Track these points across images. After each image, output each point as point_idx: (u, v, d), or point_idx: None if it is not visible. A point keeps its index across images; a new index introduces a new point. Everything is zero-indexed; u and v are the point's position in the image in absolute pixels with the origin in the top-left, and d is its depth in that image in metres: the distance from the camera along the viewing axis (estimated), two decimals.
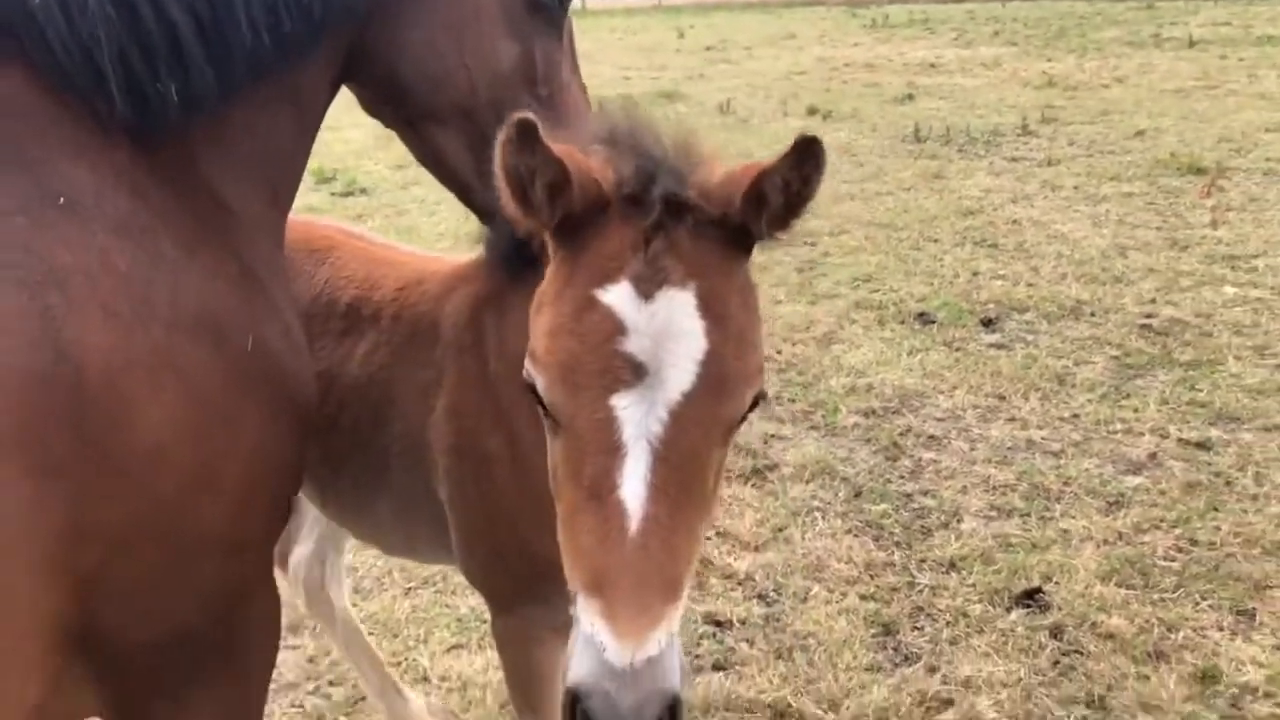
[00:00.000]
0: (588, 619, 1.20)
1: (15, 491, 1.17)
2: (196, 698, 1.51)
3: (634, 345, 1.25)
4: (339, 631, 3.01)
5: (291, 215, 1.84)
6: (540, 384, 1.32)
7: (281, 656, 3.18)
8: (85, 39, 1.40)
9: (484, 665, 3.28)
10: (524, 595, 2.01)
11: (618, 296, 1.28)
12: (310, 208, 8.26)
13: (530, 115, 1.25)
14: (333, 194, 9.59)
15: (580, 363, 1.27)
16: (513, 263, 1.85)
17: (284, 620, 1.80)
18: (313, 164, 8.88)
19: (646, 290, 1.27)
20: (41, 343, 1.23)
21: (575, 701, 1.18)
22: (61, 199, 1.34)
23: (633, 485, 1.23)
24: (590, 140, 1.44)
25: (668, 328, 1.26)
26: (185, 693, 1.49)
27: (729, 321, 1.29)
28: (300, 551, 3.02)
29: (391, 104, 1.81)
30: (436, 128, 1.82)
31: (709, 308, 1.28)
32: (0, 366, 1.19)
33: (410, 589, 3.74)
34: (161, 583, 1.38)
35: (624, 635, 1.17)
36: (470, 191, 1.88)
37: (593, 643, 1.18)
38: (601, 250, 1.32)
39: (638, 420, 1.24)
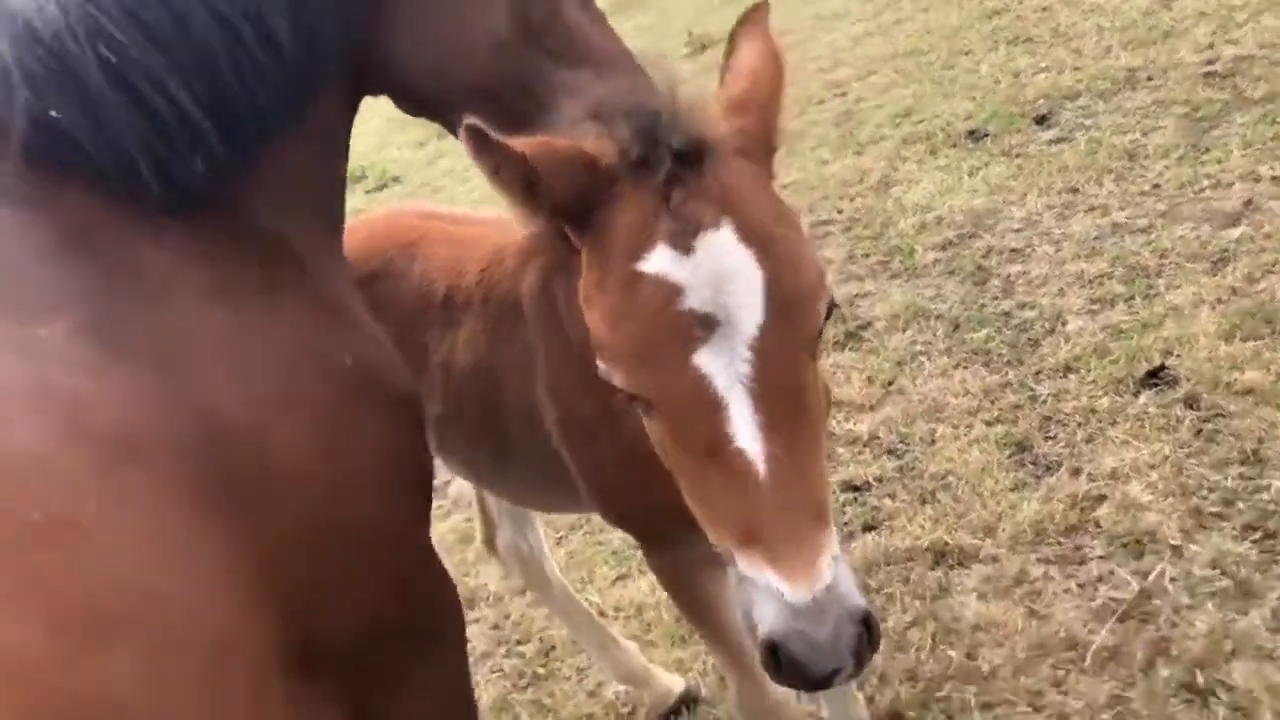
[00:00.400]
0: (755, 571, 1.22)
1: (210, 541, 1.28)
2: (418, 679, 1.64)
3: (694, 301, 1.24)
4: (556, 597, 3.11)
5: (374, 213, 1.93)
6: (618, 376, 1.31)
7: (469, 631, 3.37)
8: (113, 137, 1.47)
9: (649, 588, 3.41)
10: (664, 538, 2.08)
11: (659, 262, 1.26)
12: (352, 211, 8.37)
13: (473, 121, 1.27)
14: (367, 192, 9.71)
15: (648, 340, 1.26)
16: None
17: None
18: None
19: (684, 244, 1.26)
20: (180, 407, 1.33)
21: (774, 651, 1.20)
22: (146, 279, 1.43)
23: (745, 432, 1.23)
24: (579, 117, 1.41)
25: (720, 272, 1.24)
26: (407, 677, 1.62)
27: (775, 244, 1.28)
28: (504, 536, 3.14)
29: (419, 107, 1.83)
30: (468, 117, 1.85)
31: (751, 237, 1.27)
32: (156, 436, 1.29)
33: (561, 538, 3.89)
34: (345, 580, 1.49)
35: (796, 575, 1.19)
36: None
37: (770, 591, 1.20)
38: (626, 224, 1.30)
39: (725, 370, 1.24)
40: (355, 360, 1.60)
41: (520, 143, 1.31)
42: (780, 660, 1.20)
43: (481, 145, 1.29)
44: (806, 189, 5.98)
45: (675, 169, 1.28)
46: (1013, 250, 4.61)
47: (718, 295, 1.24)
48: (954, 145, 5.87)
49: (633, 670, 2.99)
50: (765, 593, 1.20)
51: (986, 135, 5.82)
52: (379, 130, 11.17)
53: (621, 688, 3.05)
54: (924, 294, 4.52)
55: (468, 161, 1.38)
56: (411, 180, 9.59)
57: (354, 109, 1.84)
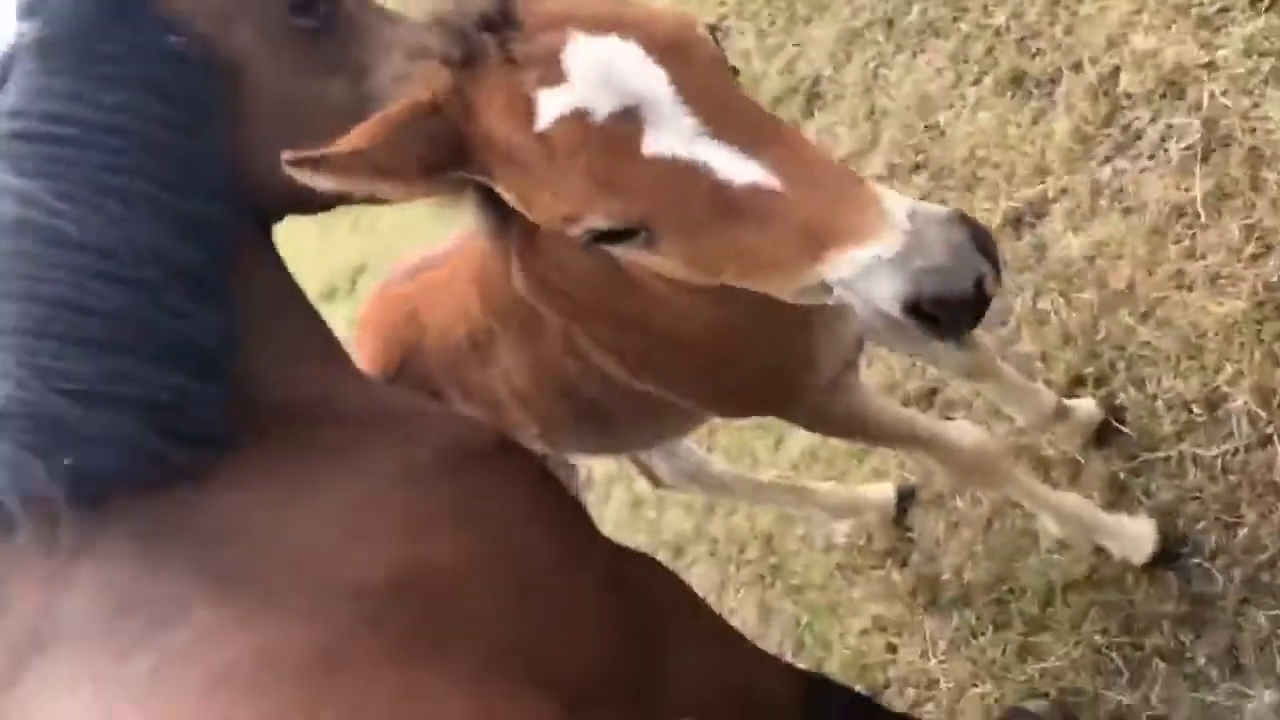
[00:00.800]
0: (843, 265, 1.11)
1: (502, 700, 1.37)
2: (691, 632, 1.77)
3: (603, 109, 1.18)
4: (737, 487, 3.13)
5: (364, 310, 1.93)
6: (603, 221, 1.23)
7: (697, 573, 3.47)
8: (129, 445, 1.49)
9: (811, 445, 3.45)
10: (788, 396, 2.01)
11: (550, 108, 1.20)
12: (351, 322, 8.46)
13: (289, 155, 1.26)
14: (348, 295, 9.74)
15: (600, 173, 1.20)
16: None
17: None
18: (322, 286, 8.92)
19: (555, 77, 1.20)
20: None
21: (918, 309, 1.09)
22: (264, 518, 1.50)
23: (738, 166, 1.16)
24: (399, 72, 1.36)
25: (600, 71, 1.19)
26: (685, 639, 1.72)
27: (623, 18, 1.23)
28: (663, 468, 3.15)
29: (320, 204, 1.83)
30: (284, 155, 1.83)
31: (600, 27, 1.21)
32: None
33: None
34: (579, 613, 1.57)
35: (875, 231, 1.10)
36: None
37: (868, 267, 1.09)
38: (503, 112, 1.24)
39: (676, 135, 1.18)
40: (435, 454, 1.63)
41: (350, 137, 1.26)
42: (927, 310, 1.09)
43: (316, 169, 1.24)
44: None
45: (499, 36, 1.24)
46: None
47: (616, 89, 1.19)
48: None
49: (842, 502, 3.04)
50: (866, 273, 1.09)
51: None
52: (310, 252, 11.15)
53: (845, 526, 3.11)
54: (845, 21, 4.36)
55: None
56: (373, 259, 9.57)
57: (270, 235, 1.84)
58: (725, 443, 3.84)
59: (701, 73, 1.22)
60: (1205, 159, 2.63)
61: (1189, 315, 2.49)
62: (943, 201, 3.39)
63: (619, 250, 1.31)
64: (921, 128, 3.64)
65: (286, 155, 1.25)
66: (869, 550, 3.01)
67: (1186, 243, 2.58)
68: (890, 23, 4.08)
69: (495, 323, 2.21)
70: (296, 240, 2.13)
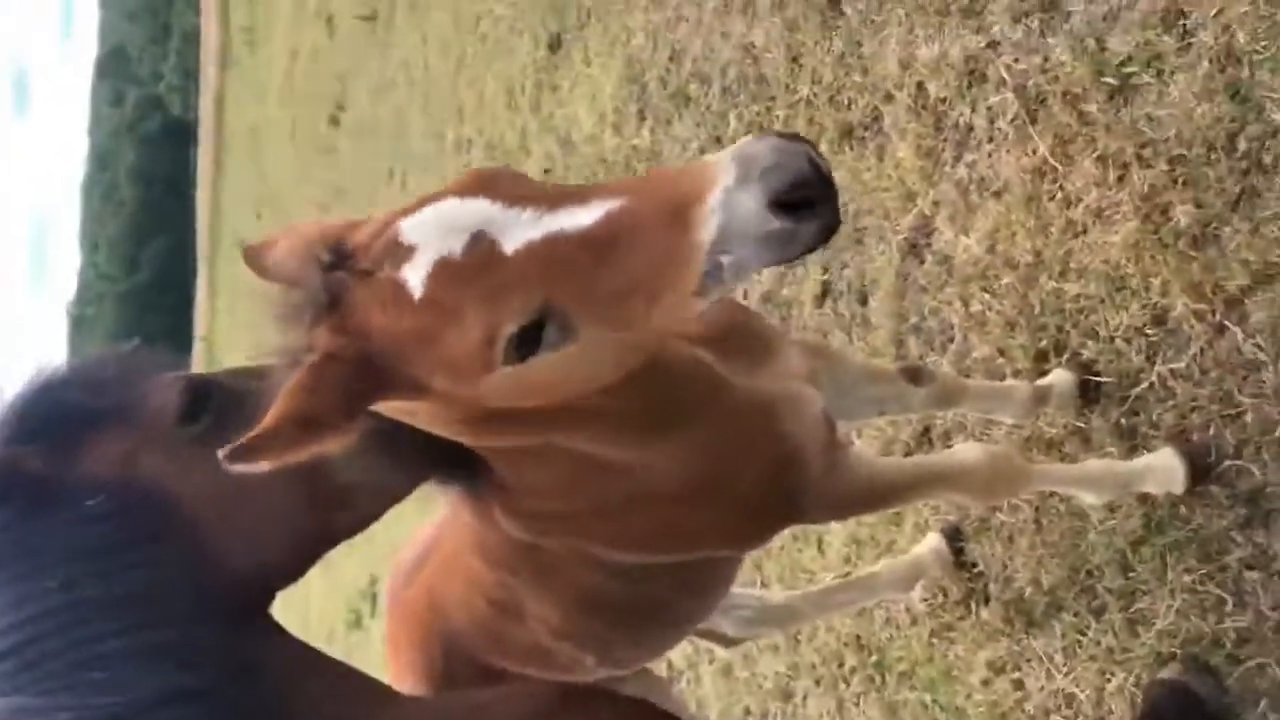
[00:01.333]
0: (707, 216, 1.19)
1: None
2: None
3: (458, 245, 1.27)
4: (799, 605, 3.02)
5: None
6: (513, 319, 1.27)
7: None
8: None
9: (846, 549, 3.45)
10: (794, 487, 1.99)
11: (416, 272, 1.28)
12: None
13: (221, 455, 1.28)
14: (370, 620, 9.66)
15: (483, 290, 1.26)
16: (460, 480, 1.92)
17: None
18: (346, 616, 8.83)
19: (407, 254, 1.29)
20: None
21: (786, 209, 1.17)
22: None
23: (579, 217, 1.25)
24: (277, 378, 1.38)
25: (437, 221, 1.29)
26: None
27: (433, 194, 1.35)
28: (725, 625, 3.07)
29: (293, 573, 1.86)
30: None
31: (417, 209, 1.34)
32: None
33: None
34: None
35: (712, 179, 1.19)
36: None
37: (724, 200, 1.19)
38: (386, 314, 1.30)
39: (522, 225, 1.27)
40: None
41: (270, 412, 1.28)
42: (791, 200, 1.17)
43: (252, 455, 1.25)
44: None
45: (345, 269, 1.32)
46: None
47: (456, 227, 1.28)
48: None
49: (903, 572, 3.02)
50: (727, 209, 1.18)
51: None
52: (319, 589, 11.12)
53: (917, 592, 3.08)
54: (679, 158, 4.61)
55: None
56: (380, 568, 9.55)
57: (268, 615, 1.85)
58: (774, 571, 3.83)
59: (510, 184, 1.33)
60: (1034, 120, 2.80)
61: (1097, 254, 2.58)
62: (844, 265, 3.53)
63: (544, 359, 1.32)
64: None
65: (220, 454, 1.26)
66: (949, 603, 2.97)
67: (1059, 196, 2.71)
68: (718, 139, 4.34)
69: (508, 577, 2.21)
70: (302, 586, 2.17)
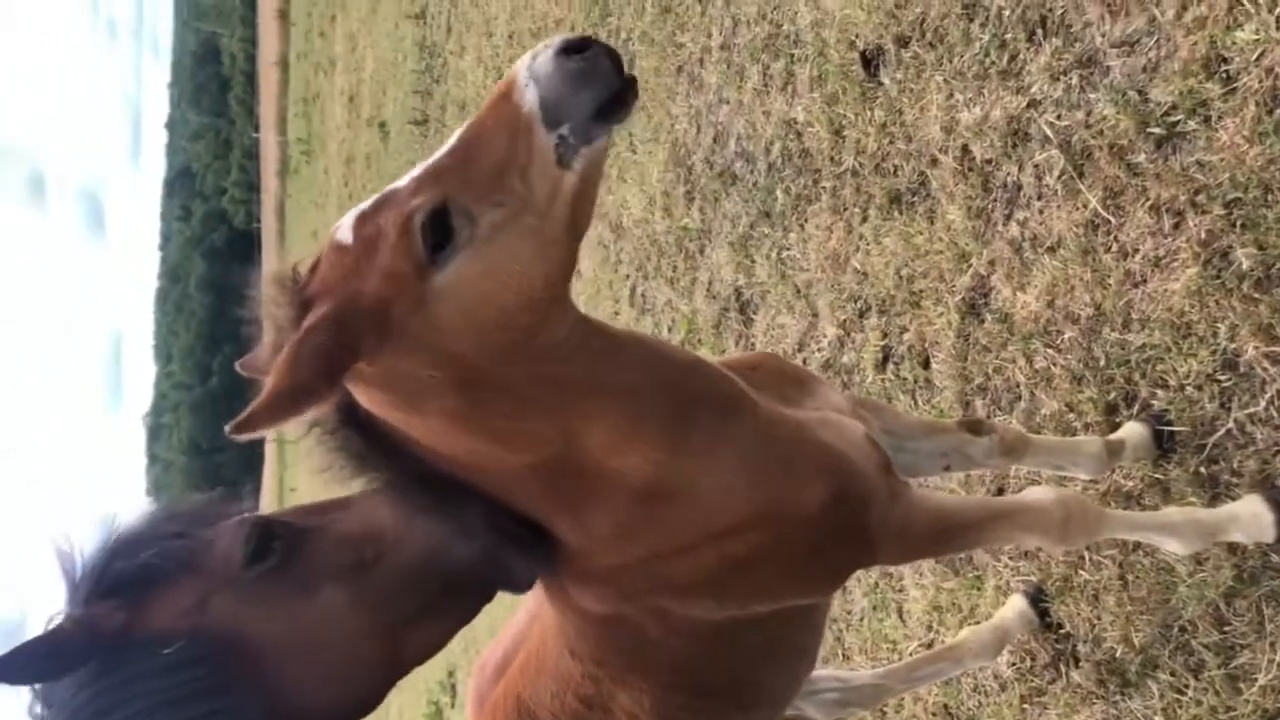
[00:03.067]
0: (525, 90, 1.48)
1: None
2: None
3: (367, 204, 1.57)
4: (886, 683, 2.96)
5: None
6: (421, 211, 1.50)
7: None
8: None
9: (893, 624, 3.39)
10: (852, 526, 1.98)
11: (344, 230, 1.57)
12: None
13: (227, 430, 1.43)
14: None
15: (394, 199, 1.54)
16: (521, 564, 1.95)
17: None
18: (427, 711, 8.79)
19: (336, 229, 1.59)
20: None
21: (575, 51, 1.46)
22: None
23: (450, 140, 1.56)
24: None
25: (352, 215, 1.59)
26: None
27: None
28: (811, 711, 2.98)
29: (368, 708, 1.89)
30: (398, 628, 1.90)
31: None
32: None
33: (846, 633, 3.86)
34: None
35: (516, 71, 1.50)
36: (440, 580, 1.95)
37: (528, 74, 1.48)
38: (331, 274, 1.55)
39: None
40: None
41: (265, 389, 1.47)
42: (572, 45, 1.46)
43: (252, 427, 1.45)
44: None
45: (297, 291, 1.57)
46: None
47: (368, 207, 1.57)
48: None
49: (988, 638, 2.95)
50: (535, 76, 1.48)
51: None
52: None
53: (1003, 657, 3.01)
54: (730, 235, 4.67)
55: None
56: (457, 659, 9.53)
57: None
58: (856, 643, 3.76)
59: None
60: (1081, 175, 2.81)
61: (1159, 303, 2.57)
62: (903, 329, 3.54)
63: (463, 260, 1.52)
64: (846, 279, 3.84)
65: (227, 429, 1.42)
66: (1038, 667, 2.89)
67: (1115, 247, 2.70)
68: (766, 214, 4.41)
69: (594, 668, 2.18)
70: None
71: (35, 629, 1.68)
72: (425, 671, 10.05)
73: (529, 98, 1.49)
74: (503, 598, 2.06)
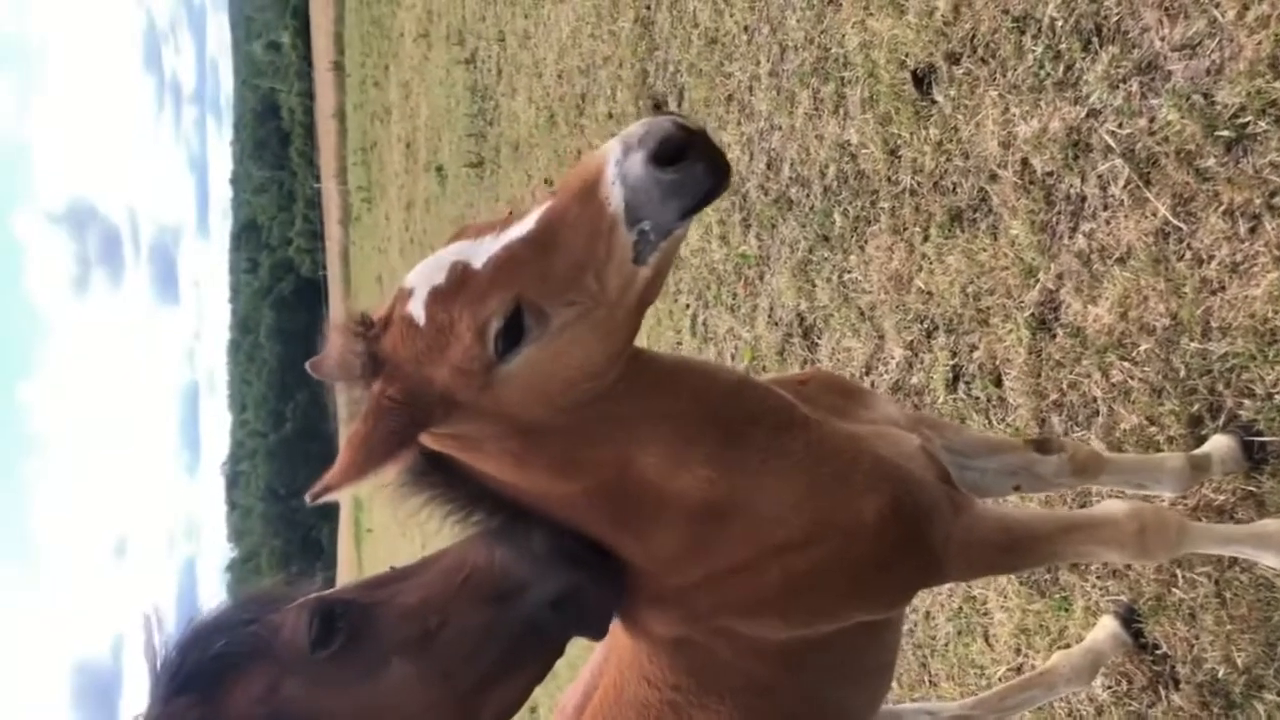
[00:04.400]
0: (609, 190, 1.45)
1: None
2: None
3: (440, 278, 1.58)
4: (983, 710, 2.90)
5: None
6: (496, 315, 1.54)
7: None
8: None
9: (980, 648, 3.32)
10: (919, 538, 1.96)
11: (417, 305, 1.58)
12: None
13: (307, 498, 1.55)
14: None
15: (466, 301, 1.55)
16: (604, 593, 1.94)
17: None
18: None
19: (407, 296, 1.61)
20: None
21: (666, 161, 1.42)
22: None
23: (523, 227, 1.55)
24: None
25: (421, 271, 1.61)
26: None
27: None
28: None
29: None
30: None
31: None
32: None
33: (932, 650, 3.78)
34: None
35: (603, 159, 1.47)
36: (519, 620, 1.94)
37: (615, 174, 1.45)
38: (404, 346, 1.59)
39: (483, 247, 1.58)
40: None
41: (339, 461, 1.57)
42: (667, 153, 1.41)
43: (330, 492, 1.55)
44: None
45: (373, 331, 1.62)
46: None
47: (437, 268, 1.59)
48: None
49: (1081, 662, 2.86)
50: (621, 178, 1.44)
51: None
52: None
53: (1098, 680, 2.92)
54: (789, 259, 4.66)
55: None
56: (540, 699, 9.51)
57: None
58: (943, 669, 3.68)
59: (477, 226, 1.63)
60: (1148, 183, 2.75)
61: (1240, 310, 2.49)
62: (972, 347, 3.48)
63: (530, 351, 1.55)
64: (910, 299, 3.80)
65: (306, 498, 1.54)
66: (1135, 690, 2.80)
67: (1188, 255, 2.64)
68: (825, 238, 4.38)
69: (671, 693, 2.17)
70: None
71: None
72: None
73: (614, 199, 1.47)
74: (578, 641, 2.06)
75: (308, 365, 1.84)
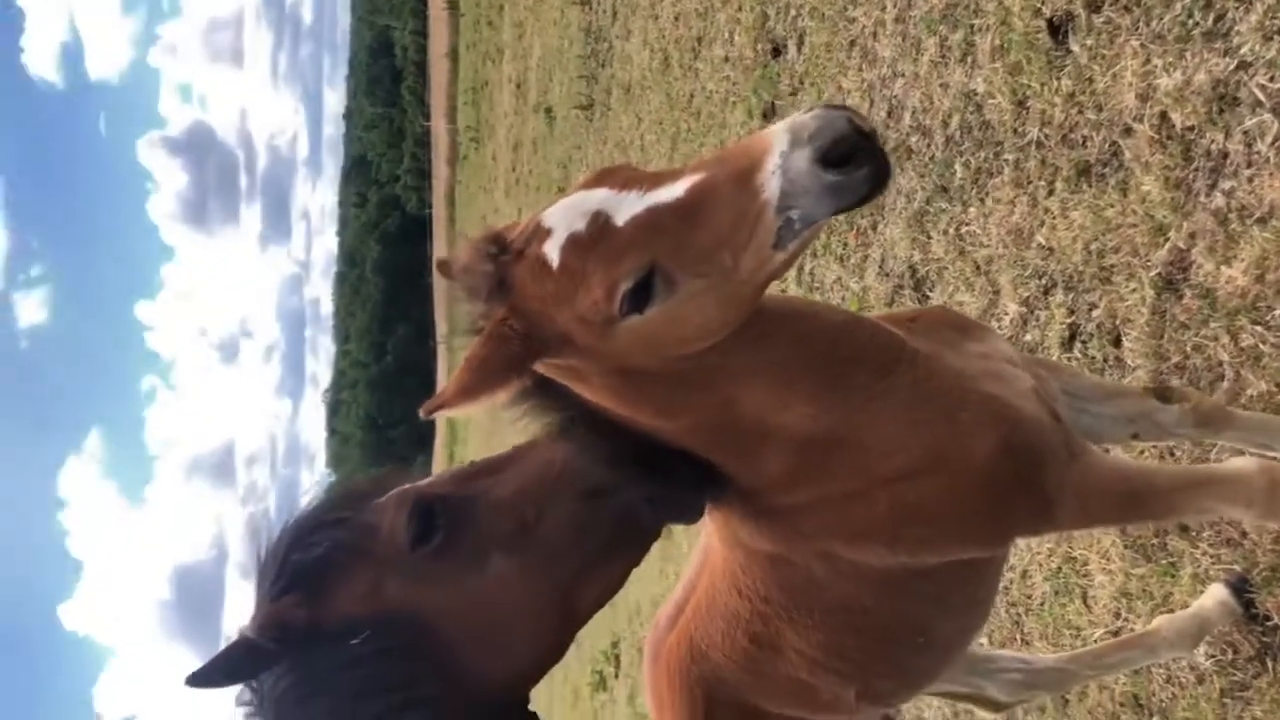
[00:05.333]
0: (769, 178, 1.44)
1: None
2: None
3: (581, 224, 1.58)
4: (1070, 668, 2.89)
5: None
6: (626, 276, 1.54)
7: None
8: None
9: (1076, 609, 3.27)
10: (1027, 480, 1.93)
11: (553, 248, 1.59)
12: None
13: (421, 412, 1.60)
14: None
15: (601, 255, 1.56)
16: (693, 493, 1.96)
17: None
18: (591, 679, 9.09)
19: (545, 235, 1.61)
20: None
21: (834, 164, 1.41)
22: None
23: (669, 191, 1.55)
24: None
25: (564, 210, 1.61)
26: None
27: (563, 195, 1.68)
28: (993, 691, 2.90)
29: (541, 670, 1.93)
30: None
31: (551, 205, 1.68)
32: None
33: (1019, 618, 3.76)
34: None
35: (768, 145, 1.45)
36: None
37: (780, 164, 1.43)
38: (534, 282, 1.61)
39: (628, 204, 1.56)
40: None
41: (454, 377, 1.62)
42: (835, 156, 1.40)
43: (444, 408, 1.61)
44: None
45: (506, 256, 1.64)
46: None
47: (576, 212, 1.60)
48: None
49: (1185, 628, 2.81)
50: (784, 170, 1.42)
51: None
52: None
53: (1201, 648, 2.87)
54: (904, 210, 4.59)
55: None
56: (621, 630, 9.74)
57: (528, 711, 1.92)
58: (1036, 628, 3.66)
59: (624, 174, 1.63)
60: None
61: None
62: (1091, 305, 3.40)
63: (657, 309, 1.57)
64: (1030, 255, 3.72)
65: (421, 412, 1.58)
66: (1240, 660, 2.75)
67: None
68: (944, 189, 4.30)
69: (763, 606, 2.18)
70: None
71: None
72: (590, 641, 10.35)
73: (771, 189, 1.46)
74: (671, 566, 2.11)
75: (436, 265, 1.90)
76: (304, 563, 1.79)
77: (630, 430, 1.83)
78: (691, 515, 1.97)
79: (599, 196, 1.59)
